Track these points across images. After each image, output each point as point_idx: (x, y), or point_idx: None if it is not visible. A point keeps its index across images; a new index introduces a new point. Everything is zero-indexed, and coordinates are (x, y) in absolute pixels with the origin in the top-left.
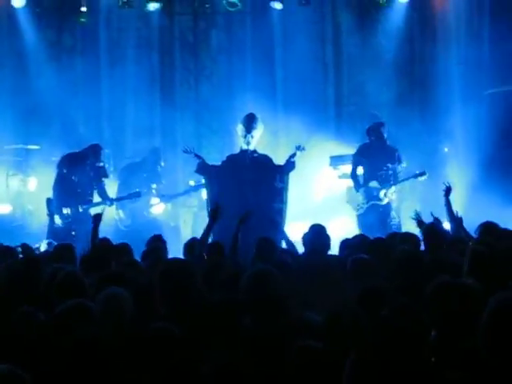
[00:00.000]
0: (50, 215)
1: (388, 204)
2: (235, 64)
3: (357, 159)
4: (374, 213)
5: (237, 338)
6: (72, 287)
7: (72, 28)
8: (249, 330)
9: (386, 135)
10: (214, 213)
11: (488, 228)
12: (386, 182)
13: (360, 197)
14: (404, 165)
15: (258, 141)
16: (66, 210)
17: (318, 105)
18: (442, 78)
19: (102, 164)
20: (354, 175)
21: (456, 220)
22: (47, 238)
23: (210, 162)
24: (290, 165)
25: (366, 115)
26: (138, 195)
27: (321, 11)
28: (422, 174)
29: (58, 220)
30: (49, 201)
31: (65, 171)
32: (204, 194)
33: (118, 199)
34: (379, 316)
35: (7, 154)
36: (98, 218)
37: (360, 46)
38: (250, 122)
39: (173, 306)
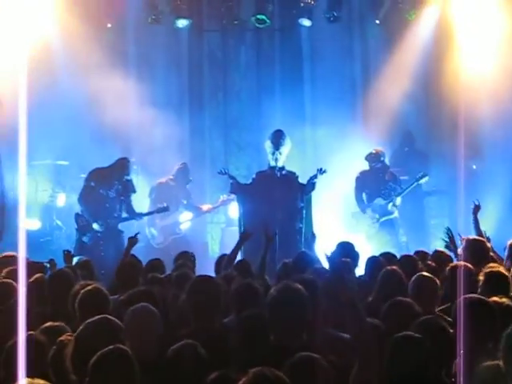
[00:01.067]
0: (79, 230)
1: (396, 220)
2: (263, 80)
3: (359, 184)
4: (386, 230)
5: (263, 354)
6: (96, 303)
7: (100, 45)
8: (274, 345)
9: (383, 158)
10: (245, 236)
11: None
12: (389, 197)
13: (368, 217)
14: (402, 186)
15: (287, 157)
16: (95, 225)
17: (346, 121)
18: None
19: (129, 178)
20: (359, 198)
21: (483, 236)
22: (77, 254)
23: (241, 180)
24: (310, 186)
25: (399, 132)
26: (165, 209)
27: (349, 28)
28: (423, 177)
29: (95, 226)
30: (77, 216)
31: (93, 184)
32: (231, 210)
33: (146, 214)
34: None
35: (36, 169)
36: (134, 241)
37: (388, 62)
38: (277, 139)
39: (199, 323)
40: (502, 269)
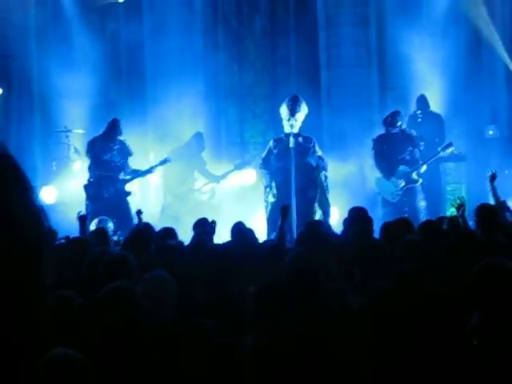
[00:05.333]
0: (89, 199)
1: (418, 187)
2: (278, 49)
3: (378, 148)
4: (407, 197)
5: (278, 322)
6: (121, 269)
7: (115, 13)
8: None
9: (400, 122)
10: (284, 211)
11: None
12: (413, 164)
13: (392, 185)
14: (422, 148)
15: (303, 123)
16: (105, 193)
17: (362, 88)
18: (488, 59)
19: (123, 138)
20: (380, 165)
21: (501, 205)
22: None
23: (257, 149)
24: (322, 164)
25: (413, 98)
26: (167, 161)
27: None
28: (448, 146)
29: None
30: (85, 187)
31: (92, 155)
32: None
33: (148, 169)
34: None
35: (53, 137)
36: (139, 212)
37: (404, 28)
38: (294, 105)
39: (214, 292)
40: None
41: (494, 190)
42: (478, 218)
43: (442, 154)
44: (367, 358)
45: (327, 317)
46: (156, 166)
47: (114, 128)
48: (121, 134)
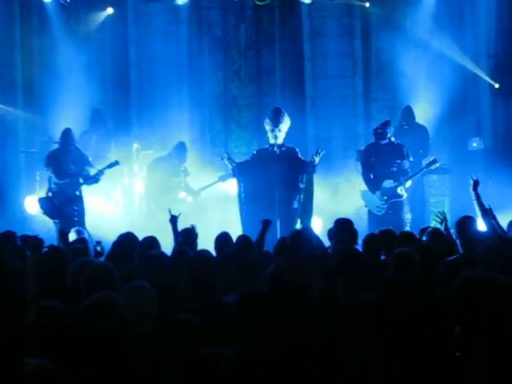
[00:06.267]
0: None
1: (405, 200)
2: (264, 59)
3: (365, 160)
4: (393, 210)
5: (261, 330)
6: (103, 280)
7: (101, 22)
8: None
9: (390, 134)
10: (266, 223)
11: None
12: (399, 178)
13: (377, 198)
14: (411, 159)
15: (287, 134)
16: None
17: (346, 99)
18: (473, 71)
19: (77, 146)
20: (366, 178)
21: (487, 212)
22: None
23: (239, 159)
24: (310, 168)
25: (398, 109)
26: (115, 164)
27: (349, 5)
28: (433, 162)
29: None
30: (40, 200)
31: (52, 168)
32: (231, 188)
33: (99, 172)
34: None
35: (37, 147)
36: (175, 219)
37: (389, 40)
38: (276, 117)
39: (197, 301)
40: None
41: (478, 197)
42: (456, 229)
43: (426, 170)
44: (355, 366)
45: (313, 325)
46: (104, 169)
47: (67, 138)
48: (74, 142)
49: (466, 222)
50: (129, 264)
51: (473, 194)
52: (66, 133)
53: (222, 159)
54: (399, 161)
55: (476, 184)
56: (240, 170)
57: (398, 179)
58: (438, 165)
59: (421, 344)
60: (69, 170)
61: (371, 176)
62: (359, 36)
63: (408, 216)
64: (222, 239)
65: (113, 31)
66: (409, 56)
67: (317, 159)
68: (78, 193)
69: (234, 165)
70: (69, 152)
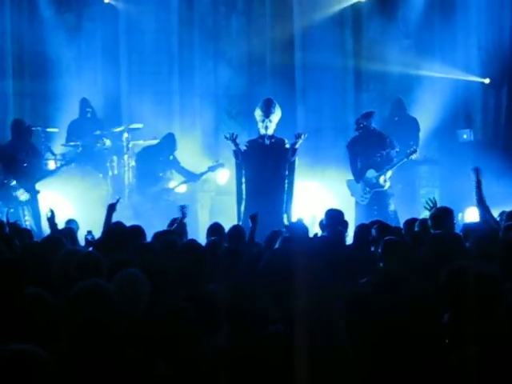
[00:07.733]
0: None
1: (388, 190)
2: (255, 49)
3: (352, 151)
4: (377, 200)
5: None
6: (90, 269)
7: (91, 12)
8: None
9: (373, 124)
10: (254, 217)
11: None
12: (381, 168)
13: (361, 187)
14: (397, 149)
15: (277, 125)
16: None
17: (337, 90)
18: (462, 63)
19: (32, 143)
20: (353, 168)
21: (484, 202)
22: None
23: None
24: (291, 151)
25: (389, 100)
26: (71, 161)
27: None
28: (412, 152)
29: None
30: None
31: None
32: (220, 178)
33: (56, 169)
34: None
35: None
36: (113, 208)
37: (380, 31)
38: (267, 107)
39: (185, 288)
40: None
41: (479, 185)
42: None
43: (405, 159)
44: (346, 357)
45: (308, 317)
46: (62, 166)
47: (18, 130)
48: (26, 134)
49: (445, 215)
50: (119, 252)
51: (475, 183)
52: (15, 125)
53: (226, 138)
54: (382, 151)
55: (478, 172)
56: (243, 156)
57: (380, 169)
58: (416, 155)
59: (410, 332)
60: (23, 163)
61: (357, 166)
62: (350, 26)
63: (392, 207)
64: (214, 229)
65: (103, 20)
66: (400, 47)
67: (298, 143)
68: None
69: (235, 148)
70: (23, 145)
